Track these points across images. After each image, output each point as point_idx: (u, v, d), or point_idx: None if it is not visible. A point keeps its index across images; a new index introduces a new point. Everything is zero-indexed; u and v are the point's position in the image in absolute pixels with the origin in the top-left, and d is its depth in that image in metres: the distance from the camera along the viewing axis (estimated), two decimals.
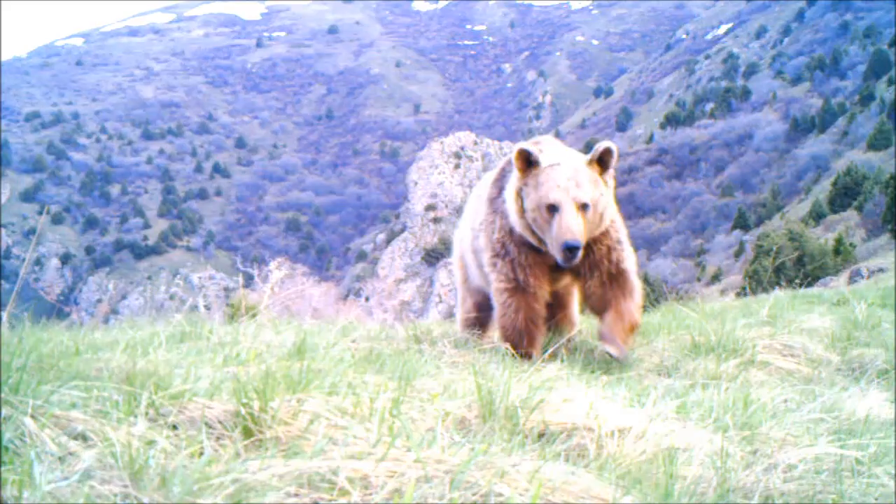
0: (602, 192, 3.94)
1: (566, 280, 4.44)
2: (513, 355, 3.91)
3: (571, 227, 3.73)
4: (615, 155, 3.98)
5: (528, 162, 3.95)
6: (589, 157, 3.98)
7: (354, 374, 2.68)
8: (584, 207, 3.83)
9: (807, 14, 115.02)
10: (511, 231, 4.16)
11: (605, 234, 4.18)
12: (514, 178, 4.03)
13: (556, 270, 4.26)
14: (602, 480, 1.89)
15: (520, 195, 3.98)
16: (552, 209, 3.82)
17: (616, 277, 4.25)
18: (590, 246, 4.10)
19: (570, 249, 3.72)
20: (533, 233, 4.03)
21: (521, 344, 4.14)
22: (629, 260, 4.32)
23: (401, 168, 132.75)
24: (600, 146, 3.95)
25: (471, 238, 4.74)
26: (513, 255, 4.18)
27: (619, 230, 4.30)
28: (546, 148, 4.15)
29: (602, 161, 3.98)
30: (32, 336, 2.97)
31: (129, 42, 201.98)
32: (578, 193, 3.81)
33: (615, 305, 4.20)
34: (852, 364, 4.29)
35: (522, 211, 3.98)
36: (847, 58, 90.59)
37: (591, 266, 4.20)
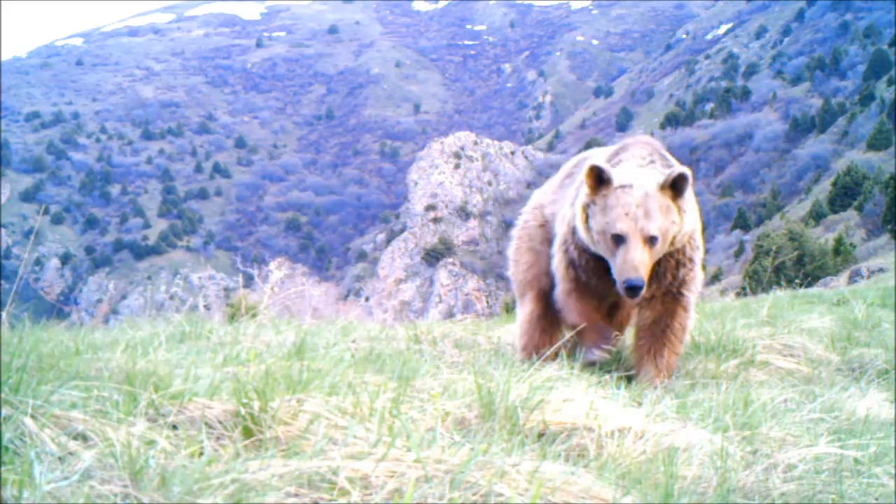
0: (674, 221, 3.71)
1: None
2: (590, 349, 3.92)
3: (635, 265, 3.53)
4: (689, 181, 3.75)
5: (599, 180, 3.72)
6: (661, 181, 3.70)
7: (354, 374, 2.68)
8: (651, 240, 3.62)
9: (807, 14, 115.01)
10: (574, 231, 4.00)
11: (680, 249, 3.95)
12: (583, 192, 3.83)
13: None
14: (602, 480, 1.89)
15: (586, 212, 3.80)
16: (618, 239, 3.62)
17: (674, 301, 4.02)
18: (658, 260, 3.89)
19: (631, 288, 3.53)
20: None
21: (603, 335, 3.99)
22: (694, 284, 4.07)
23: (401, 168, 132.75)
24: (673, 172, 3.69)
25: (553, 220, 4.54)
26: (573, 257, 4.03)
27: (696, 249, 4.04)
28: (625, 157, 3.97)
29: (675, 186, 3.73)
30: (32, 336, 2.97)
31: (129, 42, 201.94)
32: (646, 225, 3.59)
33: (656, 349, 3.99)
34: (852, 364, 4.29)
35: (588, 228, 3.80)
36: (847, 58, 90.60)
37: (654, 278, 3.92)
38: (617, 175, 3.73)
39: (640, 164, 3.93)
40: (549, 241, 4.56)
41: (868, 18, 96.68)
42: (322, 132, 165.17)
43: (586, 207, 3.79)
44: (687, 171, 3.72)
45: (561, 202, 4.48)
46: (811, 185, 63.86)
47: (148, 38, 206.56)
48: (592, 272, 3.98)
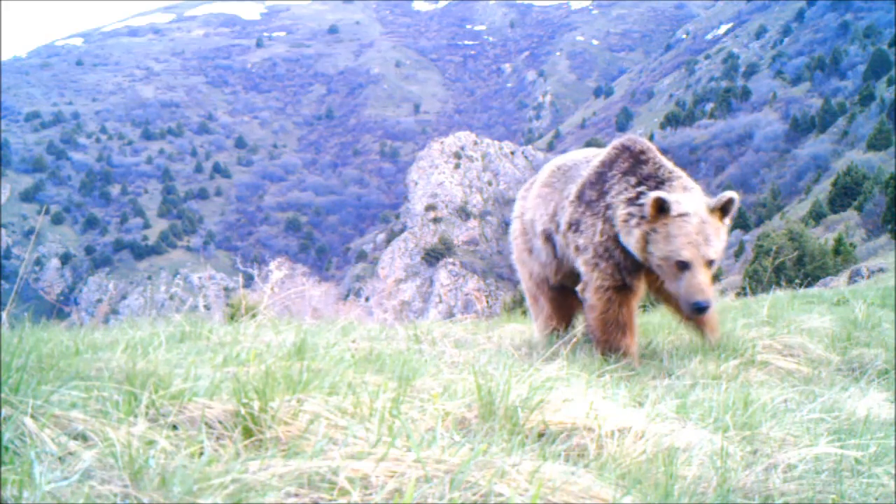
0: (724, 240, 4.11)
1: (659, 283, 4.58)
2: (605, 353, 4.20)
3: (702, 288, 3.91)
4: (736, 205, 4.12)
5: (660, 209, 4.02)
6: (713, 205, 4.07)
7: (354, 374, 2.67)
8: (710, 263, 3.99)
9: (807, 14, 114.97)
10: (617, 238, 4.28)
11: None
12: (640, 217, 4.12)
13: (653, 274, 4.39)
14: (602, 480, 1.88)
15: (646, 237, 4.09)
16: (682, 266, 3.96)
17: None
18: None
19: (699, 309, 3.92)
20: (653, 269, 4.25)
21: (621, 336, 4.31)
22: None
23: (401, 168, 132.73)
24: (724, 196, 4.08)
25: (540, 228, 4.92)
26: (618, 259, 4.32)
27: None
28: (668, 175, 4.25)
29: (723, 209, 4.10)
30: (32, 336, 2.97)
31: (129, 42, 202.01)
32: (707, 251, 3.97)
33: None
34: (852, 364, 4.29)
35: (645, 252, 4.12)
36: (847, 58, 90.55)
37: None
38: (674, 199, 4.03)
39: (686, 185, 4.22)
40: (529, 249, 5.15)
41: (868, 18, 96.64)
42: (322, 132, 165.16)
43: (646, 234, 4.09)
44: (736, 195, 4.11)
45: (543, 209, 4.90)
46: (811, 185, 63.84)
47: (148, 38, 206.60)
48: (632, 273, 4.36)
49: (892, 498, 2.04)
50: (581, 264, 4.50)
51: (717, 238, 4.01)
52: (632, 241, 4.16)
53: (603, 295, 4.37)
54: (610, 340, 4.32)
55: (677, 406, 2.73)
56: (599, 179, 4.44)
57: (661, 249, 4.00)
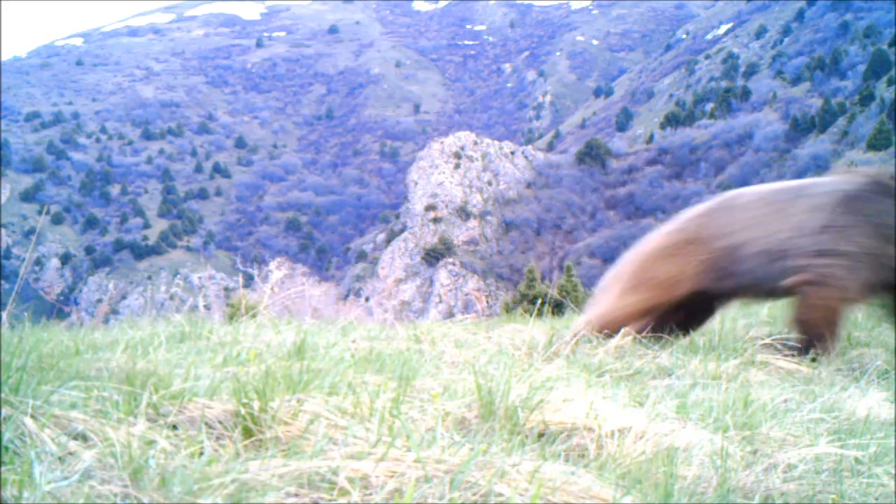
0: None
1: None
2: (819, 340, 4.38)
3: None
4: None
5: None
6: None
7: (354, 374, 2.67)
8: None
9: (807, 14, 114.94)
10: (878, 257, 4.49)
11: None
12: None
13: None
14: (602, 480, 1.88)
15: None
16: None
17: None
18: None
19: None
20: None
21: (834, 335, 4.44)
22: None
23: (401, 168, 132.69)
24: None
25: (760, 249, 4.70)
26: (865, 275, 4.50)
27: None
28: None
29: None
30: (32, 336, 2.97)
31: (129, 42, 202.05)
32: None
33: None
34: (852, 364, 4.29)
35: None
36: (847, 58, 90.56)
37: None
38: None
39: None
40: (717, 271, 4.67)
41: (868, 18, 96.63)
42: (322, 132, 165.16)
43: None
44: None
45: (762, 231, 4.64)
46: None
47: (148, 38, 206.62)
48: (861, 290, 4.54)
49: (892, 498, 2.04)
50: (824, 266, 4.45)
51: None
52: None
53: (841, 295, 4.44)
54: (832, 334, 4.46)
55: (677, 406, 2.73)
56: (855, 198, 4.51)
57: None
